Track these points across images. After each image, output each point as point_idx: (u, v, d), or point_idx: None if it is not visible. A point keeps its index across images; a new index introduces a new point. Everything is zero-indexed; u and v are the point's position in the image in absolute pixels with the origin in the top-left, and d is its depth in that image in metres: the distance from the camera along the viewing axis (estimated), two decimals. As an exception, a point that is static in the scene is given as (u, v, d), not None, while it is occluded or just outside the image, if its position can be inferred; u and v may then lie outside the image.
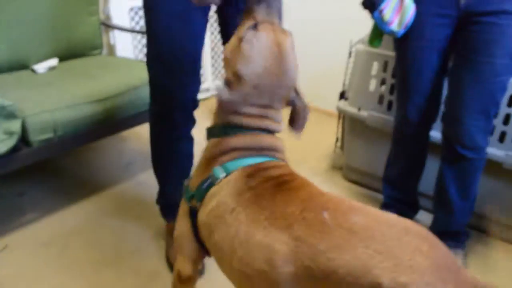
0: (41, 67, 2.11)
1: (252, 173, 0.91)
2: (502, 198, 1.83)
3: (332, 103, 2.30)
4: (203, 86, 3.17)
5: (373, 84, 1.99)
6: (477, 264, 1.75)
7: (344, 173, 2.33)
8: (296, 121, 1.04)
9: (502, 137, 1.73)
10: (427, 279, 0.66)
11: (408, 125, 1.66)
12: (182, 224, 1.03)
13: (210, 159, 0.99)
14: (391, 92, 1.91)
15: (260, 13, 0.93)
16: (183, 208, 1.04)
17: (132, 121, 2.01)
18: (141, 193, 2.07)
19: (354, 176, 2.27)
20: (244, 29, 0.93)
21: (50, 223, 1.85)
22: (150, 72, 1.45)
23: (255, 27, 0.92)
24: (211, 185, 0.94)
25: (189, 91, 1.46)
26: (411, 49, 1.53)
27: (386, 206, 1.90)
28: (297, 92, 1.01)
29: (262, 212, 0.83)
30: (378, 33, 1.60)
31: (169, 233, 1.70)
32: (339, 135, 2.36)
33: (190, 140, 1.61)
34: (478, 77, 1.41)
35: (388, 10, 1.43)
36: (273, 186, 0.88)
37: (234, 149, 0.96)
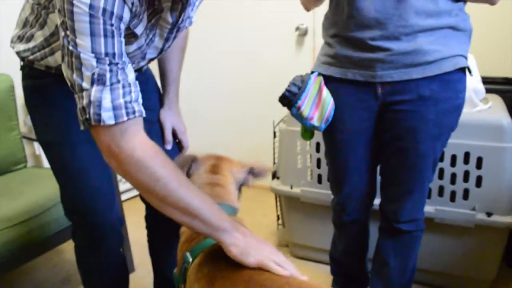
0: (-41, 193, 2.00)
1: (208, 257, 1.03)
2: (437, 250, 1.90)
3: (268, 178, 2.31)
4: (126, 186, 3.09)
5: (301, 160, 2.05)
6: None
7: (290, 250, 2.31)
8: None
9: (429, 194, 1.81)
10: None
11: (343, 213, 1.63)
12: None
13: (184, 244, 1.12)
14: (318, 166, 1.98)
15: None
16: None
17: (63, 235, 1.92)
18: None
19: (301, 252, 2.25)
20: None
21: None
22: (71, 214, 1.37)
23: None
24: (185, 269, 1.05)
25: (115, 210, 1.39)
26: (336, 142, 1.51)
27: (334, 281, 1.89)
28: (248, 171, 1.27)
29: None
30: (307, 128, 1.54)
31: None
32: (279, 213, 2.37)
33: (123, 256, 1.54)
34: (406, 162, 1.41)
35: (306, 106, 1.41)
36: (221, 269, 0.98)
37: None
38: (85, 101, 0.89)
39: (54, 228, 1.87)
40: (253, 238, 1.01)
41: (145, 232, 1.65)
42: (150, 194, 0.93)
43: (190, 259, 1.05)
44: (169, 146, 1.47)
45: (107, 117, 0.88)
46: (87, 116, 0.89)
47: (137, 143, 0.92)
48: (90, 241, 1.38)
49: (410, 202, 1.48)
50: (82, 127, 0.93)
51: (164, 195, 0.92)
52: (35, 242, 1.80)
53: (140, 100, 0.96)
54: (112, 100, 0.89)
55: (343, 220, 1.66)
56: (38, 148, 2.63)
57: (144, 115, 0.96)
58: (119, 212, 1.42)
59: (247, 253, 0.97)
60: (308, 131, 1.56)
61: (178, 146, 1.55)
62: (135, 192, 3.07)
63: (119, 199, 1.99)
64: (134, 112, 0.92)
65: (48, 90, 1.23)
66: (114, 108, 0.89)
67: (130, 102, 0.91)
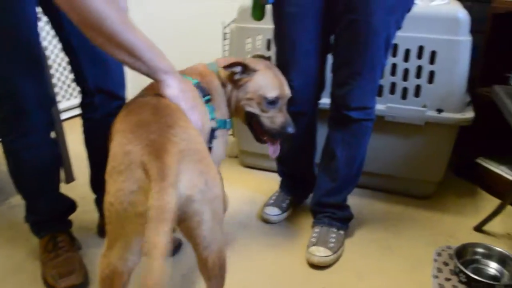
0: None
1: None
2: (386, 152, 1.87)
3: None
4: (71, 102, 2.92)
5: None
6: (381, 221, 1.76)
7: (240, 160, 2.25)
8: None
9: (380, 92, 1.76)
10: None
11: (290, 103, 1.52)
12: None
13: None
14: (268, 64, 1.87)
15: None
16: None
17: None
18: (13, 217, 1.81)
19: (250, 160, 2.19)
20: None
21: None
22: None
23: None
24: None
25: (43, 83, 1.29)
26: (284, 17, 1.42)
27: (282, 183, 1.85)
28: None
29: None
30: (257, 4, 1.44)
31: (44, 249, 1.47)
32: (230, 123, 2.28)
33: (52, 143, 1.41)
34: (357, 37, 1.34)
35: None
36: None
37: None
38: None
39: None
40: (185, 84, 1.13)
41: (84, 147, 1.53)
42: (97, 33, 0.95)
43: None
44: None
45: None
46: None
47: None
48: (13, 113, 1.27)
49: (359, 85, 1.41)
50: None
51: (110, 34, 0.95)
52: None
53: None
54: None
55: (289, 112, 1.56)
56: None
57: None
58: (50, 90, 1.30)
59: (180, 98, 1.09)
60: (258, 8, 1.44)
61: None
62: (75, 112, 2.91)
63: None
64: None
65: None
66: None
67: None
